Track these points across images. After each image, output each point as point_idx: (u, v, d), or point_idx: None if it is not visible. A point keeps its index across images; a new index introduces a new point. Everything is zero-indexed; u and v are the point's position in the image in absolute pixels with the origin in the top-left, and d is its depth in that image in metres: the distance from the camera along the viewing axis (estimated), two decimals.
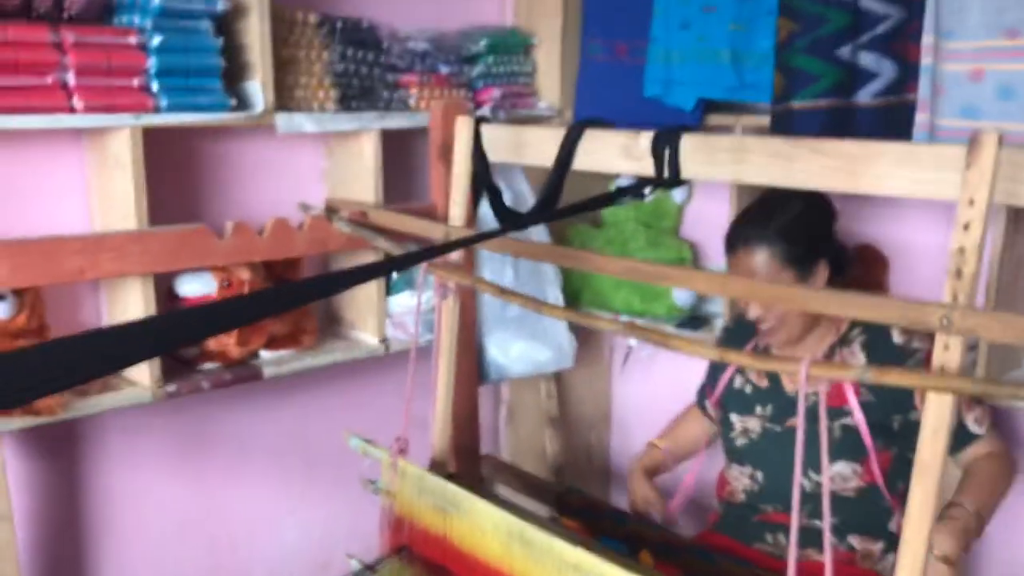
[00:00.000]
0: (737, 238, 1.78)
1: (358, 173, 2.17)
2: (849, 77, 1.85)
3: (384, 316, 2.19)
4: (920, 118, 1.74)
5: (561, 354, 2.36)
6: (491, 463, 2.30)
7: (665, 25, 2.17)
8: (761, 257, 1.72)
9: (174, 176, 2.03)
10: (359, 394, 2.43)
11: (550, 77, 2.53)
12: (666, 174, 1.52)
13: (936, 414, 1.11)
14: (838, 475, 1.75)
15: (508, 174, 2.31)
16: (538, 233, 2.31)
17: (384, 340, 2.19)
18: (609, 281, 2.43)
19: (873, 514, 1.78)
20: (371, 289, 2.20)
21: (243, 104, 1.89)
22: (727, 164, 1.43)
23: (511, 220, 1.87)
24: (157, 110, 1.73)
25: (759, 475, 1.88)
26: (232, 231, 1.83)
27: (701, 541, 1.85)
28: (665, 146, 1.50)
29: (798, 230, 1.72)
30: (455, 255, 1.83)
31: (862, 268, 2.13)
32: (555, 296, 2.36)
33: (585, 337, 2.61)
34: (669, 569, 1.71)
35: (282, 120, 1.93)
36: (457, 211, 1.83)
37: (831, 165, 1.29)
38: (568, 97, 2.52)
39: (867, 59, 1.84)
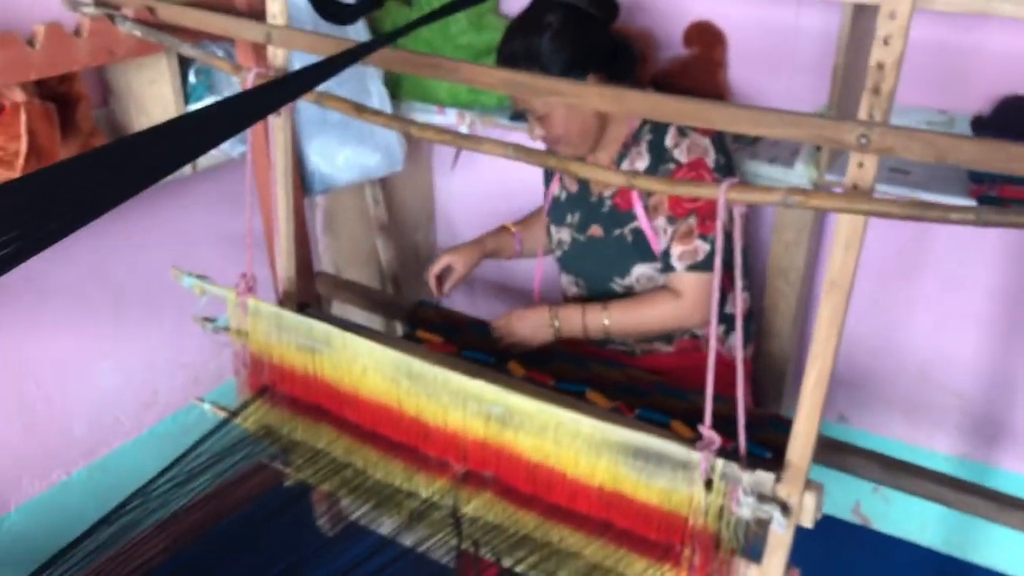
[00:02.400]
0: (502, 62, 1.72)
1: None
2: None
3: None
4: None
5: (391, 157, 2.19)
6: (327, 281, 2.17)
7: None
8: None
9: None
10: (162, 218, 2.15)
11: None
12: None
13: (848, 231, 1.10)
14: (643, 276, 1.80)
15: None
16: (356, 29, 2.05)
17: None
18: None
19: None
20: (166, 98, 1.89)
21: None
22: None
23: (336, 13, 1.63)
24: None
25: (581, 282, 1.91)
26: None
27: (563, 347, 1.87)
28: None
29: (554, 51, 1.66)
30: (279, 58, 1.59)
31: (699, 47, 2.08)
32: (379, 92, 2.15)
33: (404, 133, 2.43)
34: (541, 377, 1.71)
35: None
36: (276, 7, 1.56)
37: None
38: None
39: None
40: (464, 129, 2.26)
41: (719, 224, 1.11)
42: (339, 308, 2.42)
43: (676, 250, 1.71)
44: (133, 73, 1.89)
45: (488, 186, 2.60)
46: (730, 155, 1.78)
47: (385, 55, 1.42)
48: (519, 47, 1.68)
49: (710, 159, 1.67)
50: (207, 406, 1.72)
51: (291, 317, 1.56)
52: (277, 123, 1.61)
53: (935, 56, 1.86)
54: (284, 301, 1.69)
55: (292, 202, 1.88)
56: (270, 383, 1.64)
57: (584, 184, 1.86)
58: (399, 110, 2.32)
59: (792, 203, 1.07)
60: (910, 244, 2.04)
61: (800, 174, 1.83)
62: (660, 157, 1.71)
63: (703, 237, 1.68)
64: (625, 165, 1.76)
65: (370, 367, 1.47)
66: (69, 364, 2.06)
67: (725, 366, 1.85)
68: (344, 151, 2.09)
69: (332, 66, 1.18)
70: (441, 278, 1.97)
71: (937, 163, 1.84)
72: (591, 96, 1.25)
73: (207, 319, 1.73)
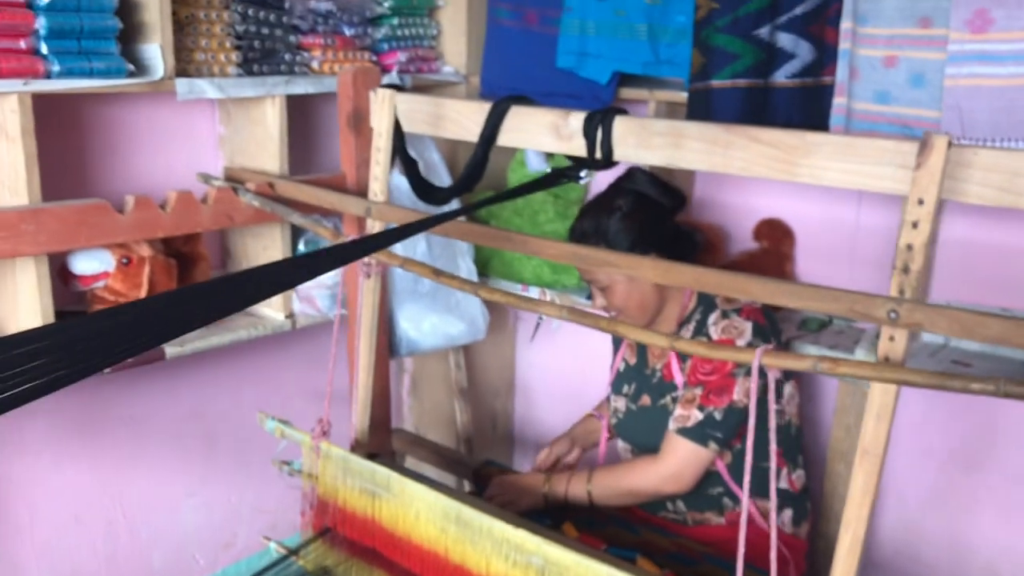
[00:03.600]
0: (573, 238, 1.88)
1: (261, 141, 2.06)
2: (767, 57, 1.88)
3: (291, 291, 2.11)
4: (837, 101, 1.79)
5: (474, 327, 2.34)
6: (403, 437, 2.28)
7: None
8: None
9: (62, 145, 1.88)
10: (261, 370, 2.34)
11: (455, 41, 2.47)
12: (598, 155, 1.51)
13: (880, 402, 1.15)
14: None
15: (418, 143, 2.25)
16: (449, 206, 2.26)
17: (291, 316, 2.11)
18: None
19: (756, 474, 1.85)
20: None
21: (141, 68, 1.76)
22: (662, 148, 1.43)
23: (431, 195, 1.83)
24: (48, 75, 1.58)
25: (636, 450, 1.97)
26: (134, 206, 1.71)
27: (617, 512, 1.90)
28: (597, 127, 1.49)
29: (620, 231, 1.81)
30: (374, 229, 1.78)
31: (768, 241, 2.20)
32: (467, 268, 2.33)
33: (490, 306, 2.60)
34: (593, 540, 1.74)
35: (183, 86, 1.80)
36: (378, 186, 1.77)
37: (769, 154, 1.31)
38: (475, 62, 2.46)
39: (785, 40, 1.87)
40: None
41: (768, 396, 1.17)
42: (414, 464, 2.51)
43: (675, 412, 1.77)
44: (250, 239, 2.13)
45: (565, 361, 2.71)
46: (776, 342, 1.81)
47: (463, 228, 1.59)
48: (589, 225, 1.84)
49: (742, 342, 1.74)
50: (273, 544, 1.80)
51: (357, 461, 1.66)
52: (367, 285, 1.78)
53: (996, 256, 1.92)
54: (355, 448, 1.80)
55: (375, 360, 2.03)
56: (332, 525, 1.72)
57: (642, 357, 1.95)
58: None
59: (821, 369, 1.13)
60: (973, 437, 2.02)
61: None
62: (699, 333, 1.80)
63: (701, 408, 1.73)
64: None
65: (423, 512, 1.55)
66: (157, 499, 2.20)
67: (780, 543, 1.84)
68: (431, 318, 2.25)
69: (408, 230, 1.35)
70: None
71: (998, 358, 1.86)
72: (644, 267, 1.37)
73: (285, 462, 1.84)
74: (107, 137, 1.97)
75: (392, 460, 2.27)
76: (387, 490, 1.61)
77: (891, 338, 1.14)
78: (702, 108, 1.93)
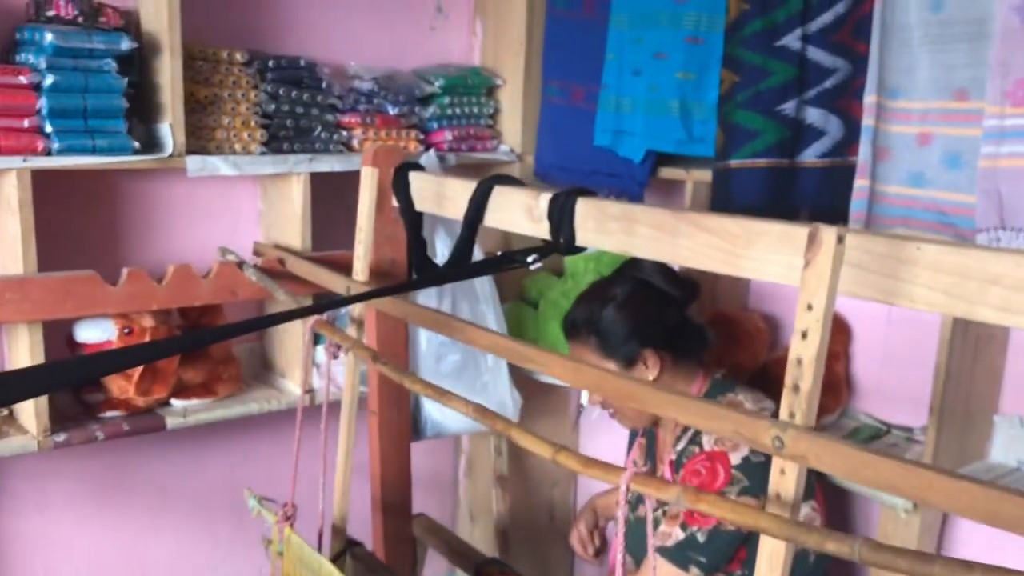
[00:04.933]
0: (565, 327, 1.76)
1: (288, 216, 2.08)
2: (793, 135, 1.69)
3: (309, 366, 2.09)
4: (859, 184, 1.56)
5: (503, 411, 2.22)
6: (423, 524, 2.17)
7: (618, 71, 2.04)
8: (584, 348, 1.68)
9: (98, 219, 1.98)
10: (290, 442, 2.32)
11: (513, 119, 2.41)
12: (562, 239, 1.40)
13: (770, 548, 0.95)
14: None
15: (453, 224, 2.19)
16: (480, 283, 2.19)
17: (310, 391, 2.09)
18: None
19: None
20: (297, 339, 2.10)
21: (156, 145, 1.82)
22: (617, 234, 1.30)
23: (424, 275, 1.77)
24: (48, 152, 1.67)
25: (634, 563, 1.78)
26: (127, 278, 1.76)
27: None
28: (560, 210, 1.37)
29: (614, 322, 1.66)
30: (357, 311, 1.73)
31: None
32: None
33: (547, 391, 2.47)
34: None
35: (194, 163, 1.85)
36: (359, 265, 1.72)
37: (713, 244, 1.15)
38: (530, 141, 2.40)
39: (814, 115, 1.68)
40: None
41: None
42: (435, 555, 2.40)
43: (659, 528, 1.59)
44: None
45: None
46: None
47: (403, 308, 1.52)
48: (581, 315, 1.71)
49: (736, 456, 1.52)
50: None
51: (308, 550, 1.60)
52: (348, 364, 1.73)
53: None
54: (329, 535, 1.73)
55: (393, 442, 1.97)
56: None
57: (652, 462, 1.78)
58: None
59: (682, 501, 0.95)
60: None
61: None
62: (693, 440, 1.61)
63: (684, 526, 1.55)
64: (680, 446, 1.65)
65: None
66: (184, 566, 2.22)
67: None
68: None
69: (330, 304, 1.35)
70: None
71: None
72: (551, 364, 1.24)
73: (270, 540, 1.80)
74: (147, 211, 2.05)
75: (412, 552, 2.18)
76: None
77: (782, 471, 0.94)
78: (723, 191, 1.76)
